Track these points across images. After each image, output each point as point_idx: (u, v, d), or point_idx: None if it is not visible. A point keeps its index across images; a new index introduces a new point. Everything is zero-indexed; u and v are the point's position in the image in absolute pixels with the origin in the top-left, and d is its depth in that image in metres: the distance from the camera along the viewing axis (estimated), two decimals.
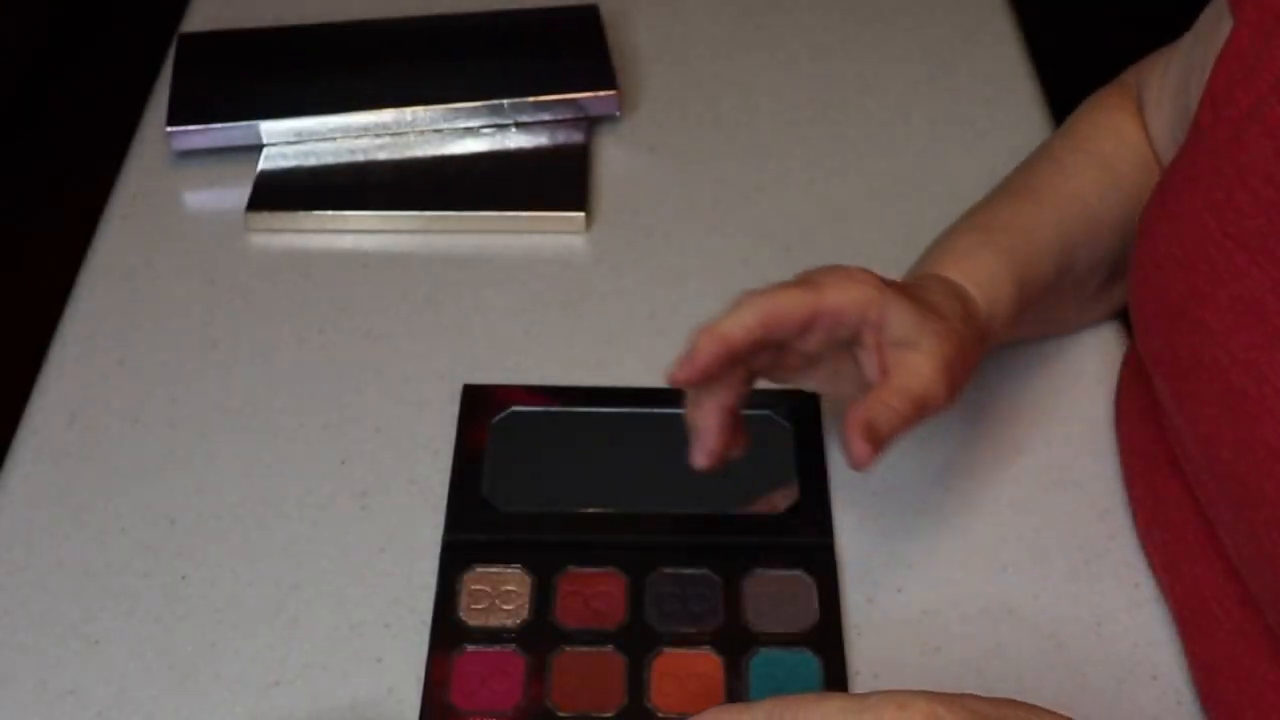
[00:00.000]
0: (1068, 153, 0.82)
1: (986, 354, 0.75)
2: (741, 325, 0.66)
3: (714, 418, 0.69)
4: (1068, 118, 0.86)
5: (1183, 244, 0.66)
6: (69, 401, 0.82)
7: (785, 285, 0.68)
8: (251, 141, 0.97)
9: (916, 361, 0.68)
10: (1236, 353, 0.62)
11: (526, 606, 0.70)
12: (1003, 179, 0.83)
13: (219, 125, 0.97)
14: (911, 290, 0.70)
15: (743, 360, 0.68)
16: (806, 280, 0.68)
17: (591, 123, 1.00)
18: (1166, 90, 0.79)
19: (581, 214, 0.93)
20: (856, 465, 0.65)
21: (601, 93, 0.99)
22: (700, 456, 0.70)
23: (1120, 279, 0.82)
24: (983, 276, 0.74)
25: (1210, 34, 0.73)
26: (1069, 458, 0.78)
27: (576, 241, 0.92)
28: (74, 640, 0.70)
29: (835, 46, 1.08)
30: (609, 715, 0.66)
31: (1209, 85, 0.68)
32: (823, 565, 0.72)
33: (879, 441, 0.65)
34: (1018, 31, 1.09)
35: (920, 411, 0.67)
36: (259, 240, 0.93)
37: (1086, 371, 0.83)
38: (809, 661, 0.68)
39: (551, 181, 0.95)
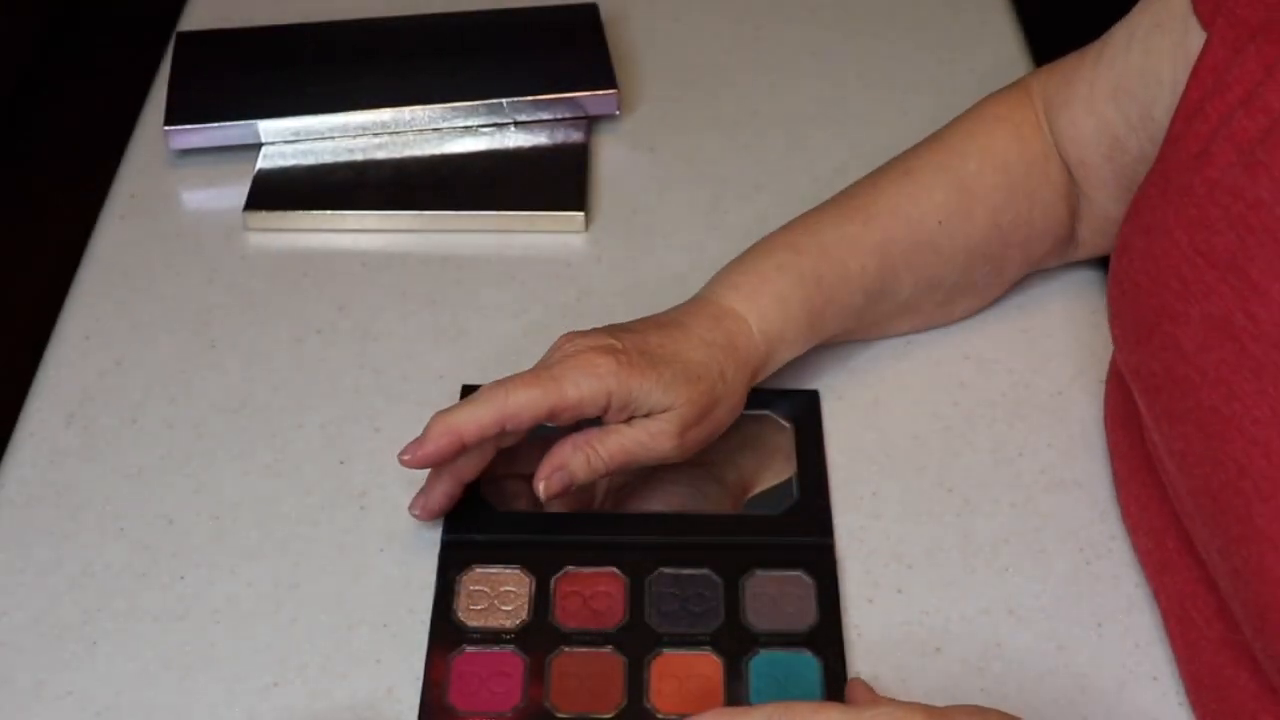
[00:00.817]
0: (927, 169, 0.81)
1: (766, 376, 0.77)
2: (476, 421, 0.69)
3: (446, 486, 0.72)
4: (960, 115, 0.84)
5: (1156, 260, 0.66)
6: (67, 401, 0.82)
7: (524, 379, 0.70)
8: (250, 141, 0.97)
9: (650, 424, 0.71)
10: (1208, 371, 0.62)
11: (525, 607, 0.70)
12: (859, 179, 0.82)
13: (217, 124, 0.97)
14: (664, 354, 0.71)
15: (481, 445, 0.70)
16: (545, 373, 0.70)
17: (591, 122, 1.00)
18: (1100, 91, 0.77)
19: (580, 213, 0.92)
20: (541, 496, 0.70)
21: (601, 92, 0.99)
22: (416, 507, 0.72)
23: (965, 297, 0.82)
24: (772, 310, 0.75)
25: (1157, 41, 0.73)
26: (1069, 458, 0.78)
27: (575, 241, 0.92)
28: (72, 640, 0.70)
29: (835, 46, 1.08)
30: (608, 716, 0.66)
31: (1183, 99, 0.68)
32: (823, 565, 0.72)
33: (569, 486, 0.70)
34: (1018, 31, 1.09)
35: (631, 464, 0.72)
36: (257, 240, 0.93)
37: (1087, 371, 0.83)
38: (809, 662, 0.68)
39: (550, 181, 0.95)
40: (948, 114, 1.01)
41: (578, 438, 0.71)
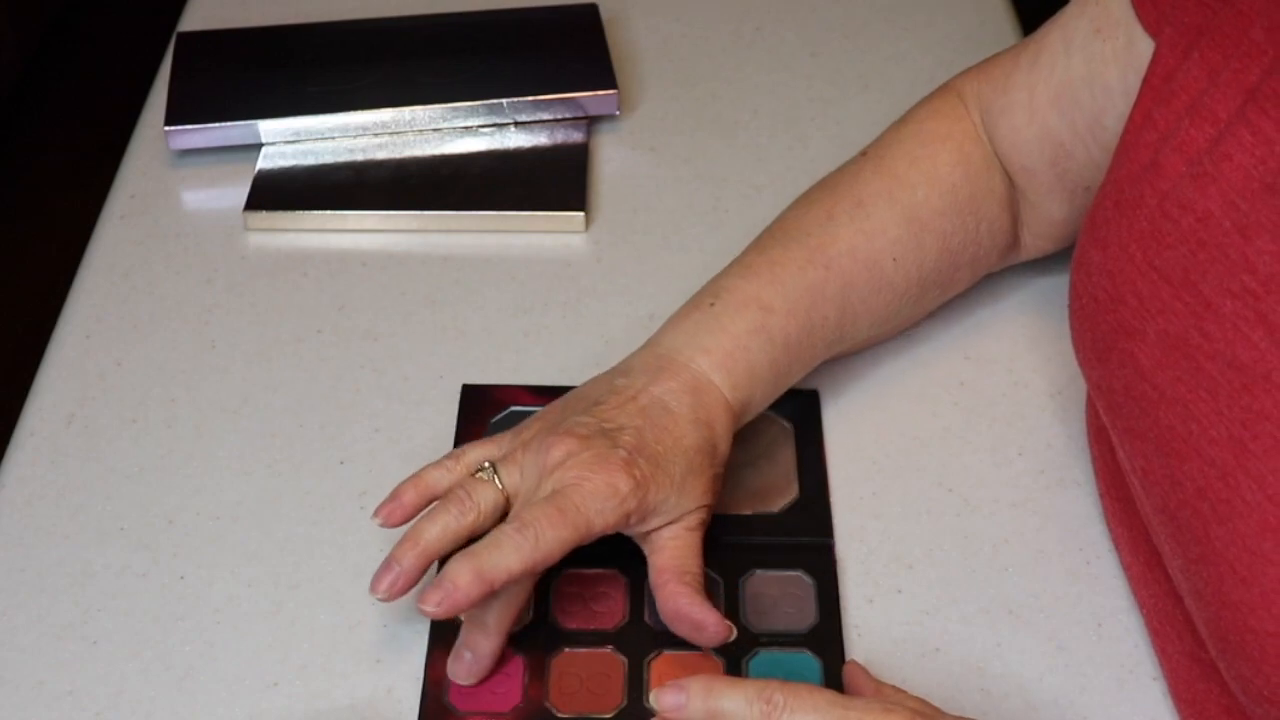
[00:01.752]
0: (878, 202, 0.78)
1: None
2: (506, 570, 0.64)
3: (420, 564, 0.66)
4: (890, 128, 0.82)
5: (1112, 276, 0.65)
6: (67, 401, 0.82)
7: (550, 518, 0.65)
8: (250, 141, 0.97)
9: (680, 534, 0.69)
10: (1164, 390, 0.61)
11: (526, 607, 0.70)
12: (803, 202, 0.80)
13: (217, 124, 0.97)
14: (666, 453, 0.68)
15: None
16: (568, 505, 0.65)
17: (591, 122, 1.00)
18: (1040, 97, 0.76)
19: (581, 213, 0.92)
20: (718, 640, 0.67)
21: (601, 92, 0.99)
22: (380, 586, 0.66)
23: (910, 319, 0.82)
24: (744, 380, 0.72)
25: (1099, 48, 0.72)
26: (1069, 458, 0.78)
27: (575, 241, 0.92)
28: (72, 640, 0.70)
29: (835, 46, 1.08)
30: (608, 716, 0.66)
31: (1135, 108, 0.66)
32: (823, 566, 0.72)
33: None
34: (1018, 31, 1.09)
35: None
36: (257, 240, 0.93)
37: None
38: (809, 662, 0.68)
39: (551, 181, 0.95)
40: None
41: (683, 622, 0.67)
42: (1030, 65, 0.77)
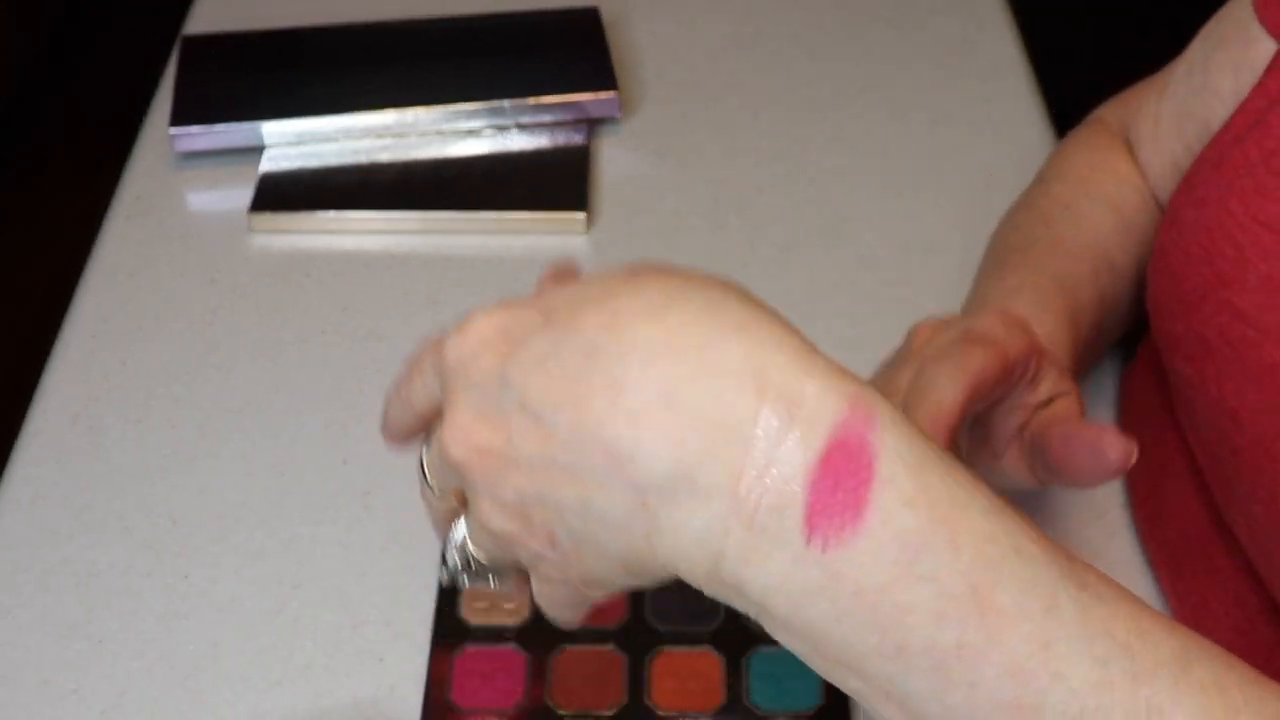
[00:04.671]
0: (1080, 199, 0.77)
1: None
2: (956, 406, 0.59)
3: None
4: (1050, 159, 0.82)
5: (1210, 231, 0.65)
6: (72, 401, 0.82)
7: (966, 352, 0.60)
8: (254, 143, 0.97)
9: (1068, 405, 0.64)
10: (1269, 330, 0.61)
11: (527, 605, 0.71)
12: (1008, 226, 0.78)
13: (221, 127, 0.97)
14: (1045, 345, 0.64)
15: None
16: (974, 336, 0.61)
17: (592, 124, 1.00)
18: (1164, 125, 0.77)
19: (582, 214, 0.93)
20: (1123, 460, 0.59)
21: (602, 94, 0.99)
22: None
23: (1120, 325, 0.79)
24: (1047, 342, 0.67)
25: (1219, 57, 0.72)
26: None
27: (577, 242, 0.93)
28: (77, 639, 0.71)
29: (835, 47, 1.09)
30: (609, 714, 0.67)
31: (1245, 102, 0.67)
32: None
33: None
34: (1017, 31, 1.09)
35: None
36: (261, 241, 0.93)
37: (1088, 371, 0.83)
38: None
39: (552, 182, 0.95)
40: (947, 114, 1.01)
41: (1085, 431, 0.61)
42: (1159, 96, 0.78)
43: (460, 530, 0.52)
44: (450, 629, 0.70)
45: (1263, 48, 0.69)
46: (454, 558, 0.52)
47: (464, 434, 0.46)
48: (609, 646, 0.69)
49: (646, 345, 0.43)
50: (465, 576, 0.52)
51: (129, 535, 0.75)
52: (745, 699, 0.67)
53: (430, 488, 0.53)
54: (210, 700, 0.68)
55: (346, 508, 0.76)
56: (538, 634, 0.70)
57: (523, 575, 0.51)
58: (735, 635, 0.69)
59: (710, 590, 0.44)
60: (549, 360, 0.44)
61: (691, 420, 0.42)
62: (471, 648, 0.69)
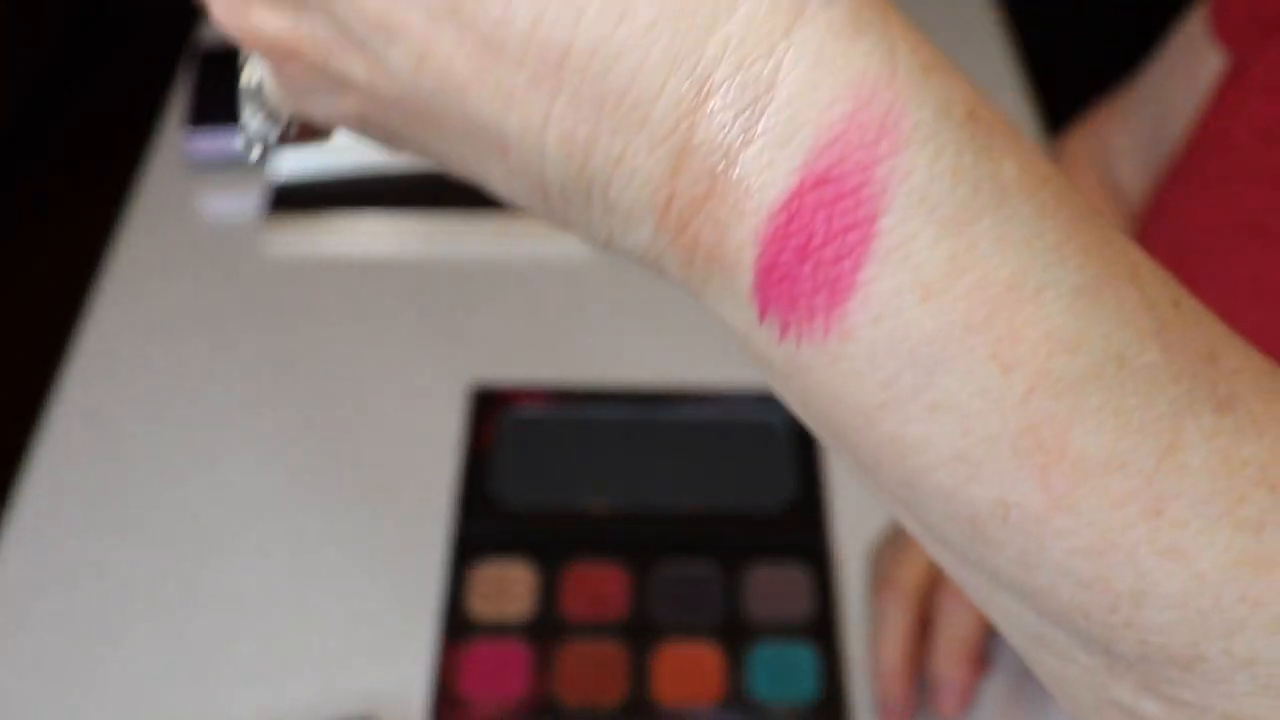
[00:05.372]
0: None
1: None
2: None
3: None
4: None
5: (1176, 238, 0.66)
6: (88, 403, 0.84)
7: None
8: None
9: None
10: (1244, 332, 0.63)
11: (533, 600, 0.72)
12: None
13: (235, 133, 0.98)
14: None
15: None
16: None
17: None
18: (1140, 140, 0.78)
19: None
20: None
21: None
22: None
23: None
24: None
25: (1174, 64, 0.74)
26: None
27: (582, 246, 0.94)
28: (90, 636, 0.72)
29: None
30: (612, 706, 0.68)
31: (1205, 103, 0.68)
32: (821, 559, 0.74)
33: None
34: (1010, 34, 1.10)
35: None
36: (274, 246, 0.94)
37: None
38: (807, 654, 0.70)
39: None
40: None
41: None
42: (1124, 111, 0.79)
43: (256, 71, 0.40)
44: (458, 623, 0.71)
45: (1213, 61, 0.70)
46: (252, 111, 0.42)
47: None
48: (612, 641, 0.71)
49: None
50: (261, 126, 0.42)
51: (143, 532, 0.77)
52: (746, 692, 0.68)
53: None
54: (223, 694, 0.69)
55: (357, 506, 0.78)
56: (543, 628, 0.71)
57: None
58: (736, 629, 0.71)
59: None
60: None
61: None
62: (478, 642, 0.71)
